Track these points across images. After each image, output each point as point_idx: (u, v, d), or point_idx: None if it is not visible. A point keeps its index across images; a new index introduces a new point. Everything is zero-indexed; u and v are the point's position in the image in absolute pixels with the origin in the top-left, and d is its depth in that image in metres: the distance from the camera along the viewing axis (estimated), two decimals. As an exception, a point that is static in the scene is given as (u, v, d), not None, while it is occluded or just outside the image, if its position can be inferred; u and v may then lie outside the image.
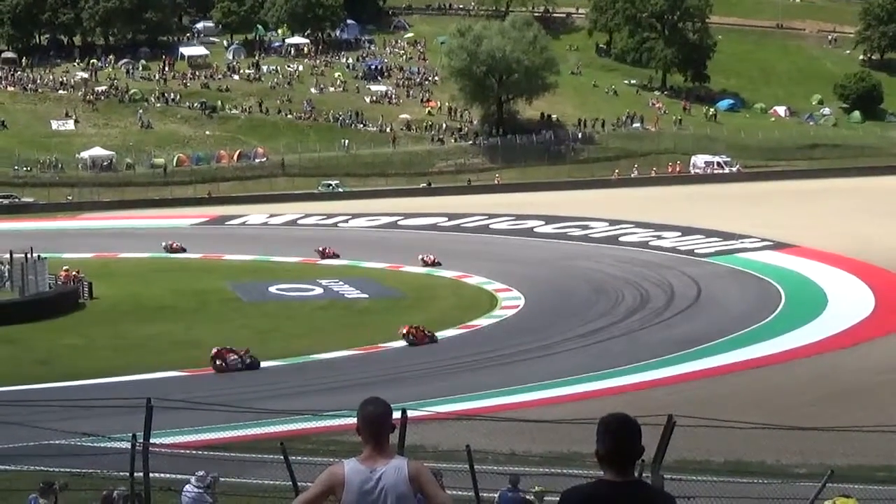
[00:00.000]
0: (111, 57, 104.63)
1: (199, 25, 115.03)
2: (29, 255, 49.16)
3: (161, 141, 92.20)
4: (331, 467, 6.08)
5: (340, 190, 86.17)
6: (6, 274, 50.65)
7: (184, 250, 63.04)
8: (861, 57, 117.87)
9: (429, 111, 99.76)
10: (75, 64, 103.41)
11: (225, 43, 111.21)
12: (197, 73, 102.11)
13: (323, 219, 74.03)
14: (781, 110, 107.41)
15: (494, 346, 41.38)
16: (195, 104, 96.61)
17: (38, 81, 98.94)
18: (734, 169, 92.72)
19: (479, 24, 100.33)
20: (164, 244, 63.39)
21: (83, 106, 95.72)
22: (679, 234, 63.82)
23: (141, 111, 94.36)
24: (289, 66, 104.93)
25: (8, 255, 50.42)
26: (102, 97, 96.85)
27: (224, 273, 57.98)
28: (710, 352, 39.63)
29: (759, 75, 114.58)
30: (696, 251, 59.59)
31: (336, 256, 60.74)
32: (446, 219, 71.58)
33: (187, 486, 17.00)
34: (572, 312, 46.61)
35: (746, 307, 46.97)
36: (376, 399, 6.07)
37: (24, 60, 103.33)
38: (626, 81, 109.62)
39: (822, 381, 35.31)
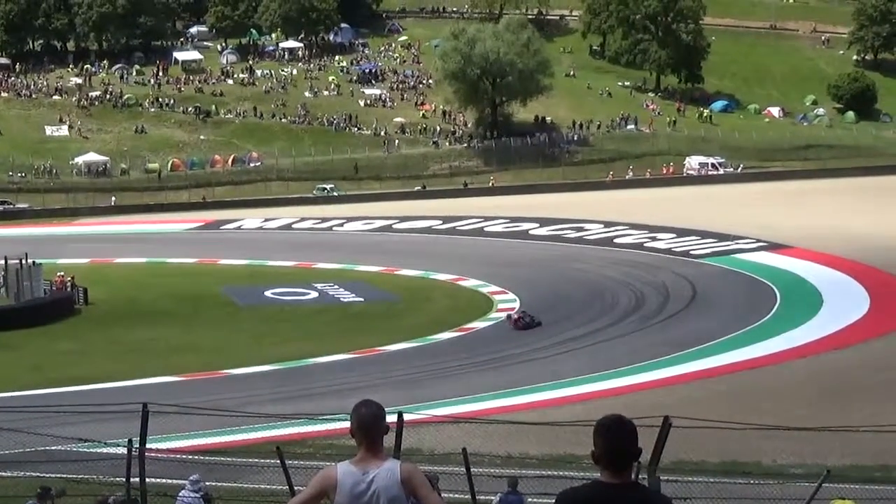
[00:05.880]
0: (105, 62, 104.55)
1: (193, 30, 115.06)
2: (24, 261, 49.08)
3: (155, 146, 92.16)
4: (324, 470, 6.07)
5: (335, 194, 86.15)
6: (1, 280, 50.58)
7: None
8: (855, 57, 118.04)
9: (423, 114, 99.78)
10: (69, 69, 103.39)
11: (219, 47, 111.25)
12: (191, 77, 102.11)
13: (318, 223, 74.04)
14: (775, 111, 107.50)
15: (490, 348, 41.37)
16: (189, 109, 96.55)
17: (32, 87, 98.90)
18: (738, 169, 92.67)
19: (472, 27, 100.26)
20: None
21: (77, 111, 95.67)
22: (674, 235, 63.82)
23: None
24: (283, 70, 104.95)
25: (3, 262, 50.33)
26: (96, 102, 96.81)
27: (219, 277, 57.92)
28: (705, 353, 39.64)
29: (753, 76, 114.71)
30: (691, 252, 59.61)
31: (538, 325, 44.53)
32: (441, 222, 71.56)
33: (182, 492, 16.93)
34: (568, 315, 46.61)
35: (741, 308, 46.98)
36: (369, 401, 6.06)
37: (17, 66, 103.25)
38: (620, 83, 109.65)
39: (818, 382, 35.34)
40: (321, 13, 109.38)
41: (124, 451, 15.15)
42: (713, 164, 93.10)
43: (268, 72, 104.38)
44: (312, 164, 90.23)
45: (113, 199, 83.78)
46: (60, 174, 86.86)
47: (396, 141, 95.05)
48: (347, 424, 6.05)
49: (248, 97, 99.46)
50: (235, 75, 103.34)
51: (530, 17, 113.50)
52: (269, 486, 19.13)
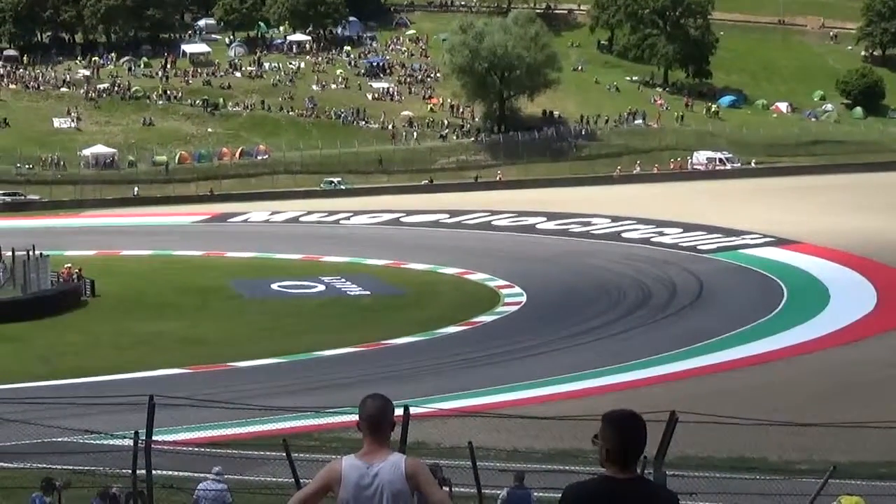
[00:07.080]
0: (113, 54, 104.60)
1: (201, 23, 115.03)
2: (31, 253, 49.12)
3: (163, 138, 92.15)
4: (329, 463, 6.07)
5: (342, 187, 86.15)
6: (8, 272, 50.53)
7: None
8: (863, 53, 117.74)
9: (431, 108, 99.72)
10: (77, 61, 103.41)
11: (227, 40, 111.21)
12: (199, 70, 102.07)
13: (325, 216, 74.04)
14: (783, 106, 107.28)
15: (497, 342, 41.37)
16: (197, 101, 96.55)
17: (40, 79, 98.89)
18: (749, 164, 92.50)
19: (480, 21, 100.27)
20: None
21: (85, 104, 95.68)
22: (681, 230, 63.78)
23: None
24: (290, 64, 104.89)
25: (10, 253, 50.32)
26: (104, 95, 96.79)
27: (226, 270, 57.97)
28: (712, 348, 39.62)
29: (761, 71, 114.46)
30: (698, 247, 59.54)
31: None
32: (448, 216, 71.53)
33: (204, 484, 16.83)
34: (574, 309, 46.58)
35: (748, 303, 46.93)
36: (376, 394, 6.05)
37: (25, 58, 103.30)
38: (627, 78, 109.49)
39: (825, 378, 35.32)
40: (329, 6, 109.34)
41: (131, 443, 15.17)
42: (720, 160, 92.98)
43: (276, 65, 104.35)
44: (319, 157, 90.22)
45: (136, 189, 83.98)
46: (68, 166, 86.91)
47: (415, 133, 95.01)
48: (354, 418, 6.04)
49: (255, 90, 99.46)
50: (243, 68, 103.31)
51: (538, 11, 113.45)
52: (274, 479, 19.12)
